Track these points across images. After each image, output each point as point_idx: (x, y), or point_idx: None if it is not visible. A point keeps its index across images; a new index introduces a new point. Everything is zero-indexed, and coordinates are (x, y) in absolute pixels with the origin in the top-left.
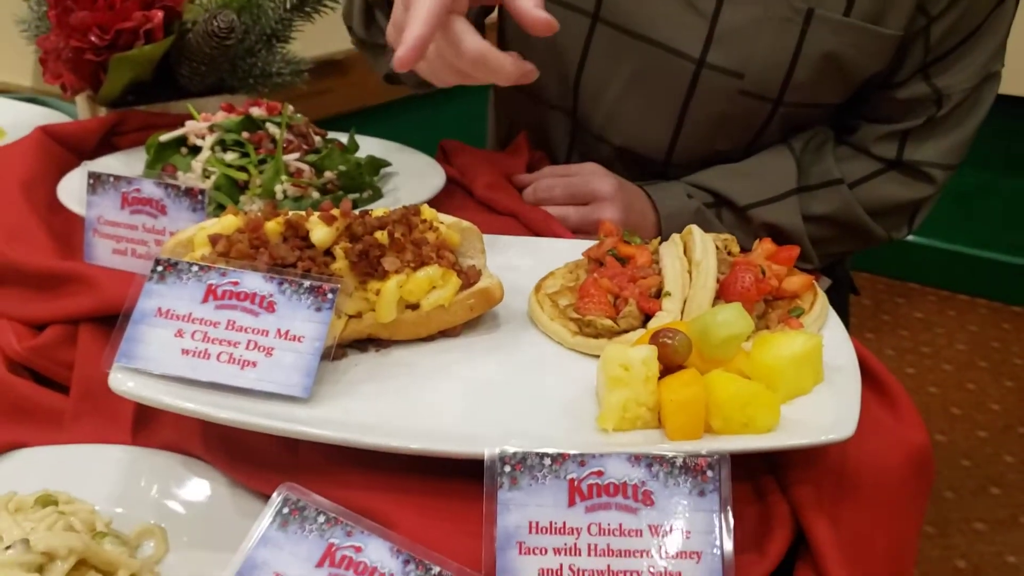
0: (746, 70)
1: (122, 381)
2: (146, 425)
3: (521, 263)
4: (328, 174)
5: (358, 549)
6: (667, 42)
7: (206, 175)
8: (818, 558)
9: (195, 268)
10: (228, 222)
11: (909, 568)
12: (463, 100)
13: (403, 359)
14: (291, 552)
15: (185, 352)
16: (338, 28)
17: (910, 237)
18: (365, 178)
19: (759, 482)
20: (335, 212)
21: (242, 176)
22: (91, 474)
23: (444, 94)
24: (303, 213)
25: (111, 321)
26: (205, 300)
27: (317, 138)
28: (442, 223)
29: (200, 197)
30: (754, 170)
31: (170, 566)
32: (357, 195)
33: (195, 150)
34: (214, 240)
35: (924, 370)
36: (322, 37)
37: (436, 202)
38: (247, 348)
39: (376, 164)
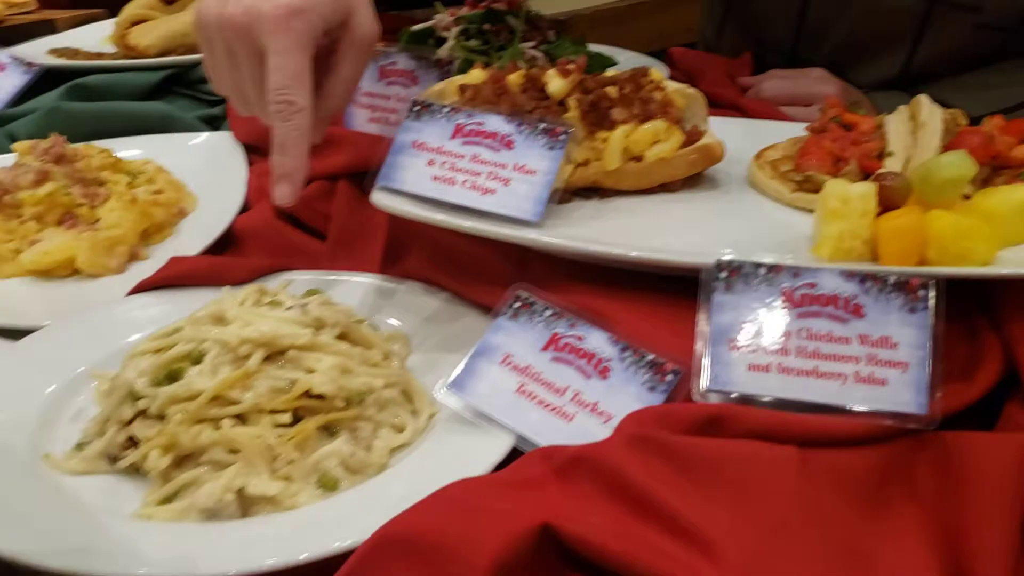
0: (984, 3)
1: (383, 198)
2: (392, 262)
3: (743, 143)
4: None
5: (579, 338)
6: None
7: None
8: None
9: (446, 109)
10: (475, 75)
11: None
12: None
13: (624, 206)
14: (520, 338)
15: (435, 178)
16: None
17: None
18: (594, 68)
19: (972, 321)
20: (570, 66)
21: (482, 59)
22: (347, 294)
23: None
24: (539, 69)
25: (363, 177)
26: (453, 136)
27: (551, 32)
28: (668, 86)
29: (448, 67)
30: (988, 81)
31: (413, 361)
32: None
33: (441, 42)
34: (462, 89)
35: None
36: None
37: None
38: (487, 178)
39: (604, 62)
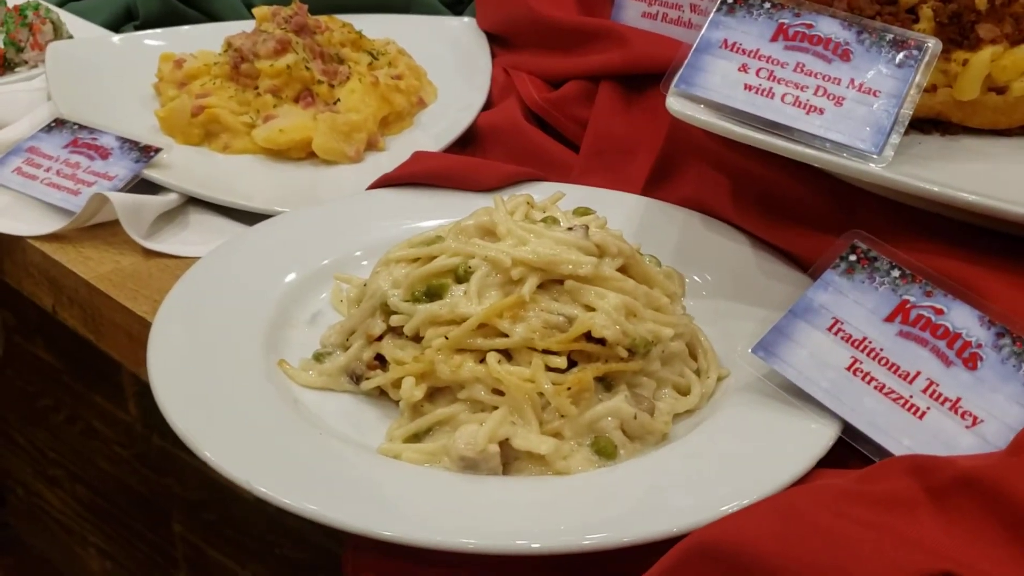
0: None
1: (683, 105)
2: (664, 183)
3: None
4: None
5: (939, 311)
6: None
7: None
8: None
9: (767, 4)
10: None
11: None
12: None
13: (978, 147)
14: (855, 301)
15: (748, 88)
16: None
17: None
18: None
19: None
20: None
21: None
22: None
23: None
24: None
25: (633, 82)
26: (774, 39)
27: None
28: None
29: None
30: None
31: (691, 309)
32: None
33: None
34: None
35: None
36: None
37: None
38: (815, 94)
39: None
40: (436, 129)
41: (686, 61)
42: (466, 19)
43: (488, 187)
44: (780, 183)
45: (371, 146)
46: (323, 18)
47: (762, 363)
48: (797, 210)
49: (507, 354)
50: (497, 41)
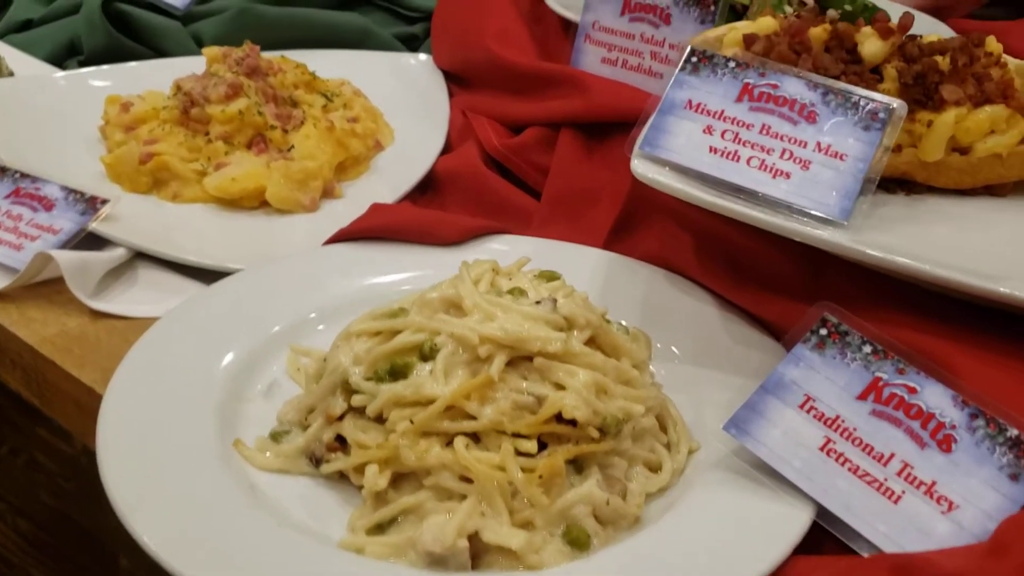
0: None
1: (646, 168)
2: (627, 236)
3: None
4: (831, 12)
5: (911, 390)
6: None
7: None
8: None
9: (731, 64)
10: (766, 23)
11: None
12: None
13: (943, 209)
14: (827, 377)
15: (713, 150)
16: None
17: None
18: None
19: None
20: (892, 24)
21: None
22: (568, 271)
23: None
24: (851, 25)
25: (594, 129)
26: (739, 99)
27: None
28: (1008, 61)
29: (713, 8)
30: None
31: (659, 376)
32: None
33: None
34: (749, 40)
35: None
36: None
37: None
38: (781, 157)
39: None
40: (394, 175)
41: (650, 122)
42: (423, 56)
43: (448, 241)
44: (746, 245)
45: (327, 194)
46: (275, 59)
47: (733, 439)
48: (764, 273)
49: (475, 436)
50: (454, 79)
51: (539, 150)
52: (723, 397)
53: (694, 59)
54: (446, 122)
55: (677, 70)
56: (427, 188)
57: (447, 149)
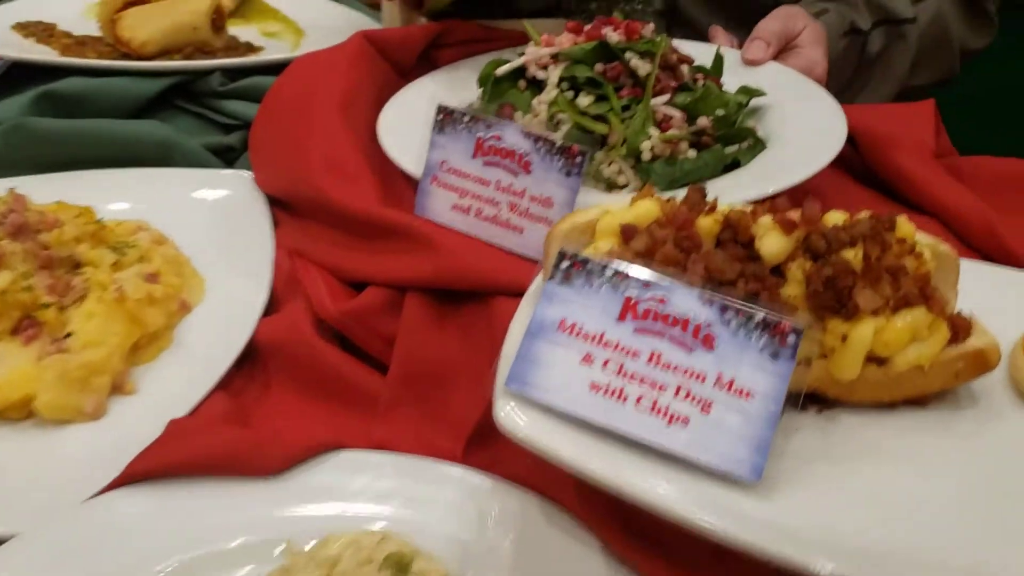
0: None
1: (514, 418)
2: (491, 444)
3: (987, 298)
4: (702, 120)
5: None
6: None
7: (553, 122)
8: None
9: (609, 271)
10: (644, 209)
11: None
12: None
13: (857, 432)
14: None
15: (595, 387)
16: None
17: None
18: (744, 124)
19: None
20: (793, 215)
21: (601, 129)
22: (422, 500)
23: None
24: (746, 211)
25: (445, 294)
26: (622, 318)
27: (684, 67)
28: (920, 242)
29: (579, 160)
30: None
31: None
32: (735, 148)
33: (536, 84)
34: (628, 234)
35: None
36: None
37: None
38: (676, 395)
39: (749, 93)
40: (204, 349)
41: (517, 351)
42: (243, 174)
43: (272, 470)
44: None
45: (116, 389)
46: (50, 207)
47: None
48: (656, 535)
49: None
50: (279, 204)
51: (383, 315)
52: None
53: (565, 264)
54: (270, 268)
55: (548, 279)
56: (245, 361)
57: (272, 303)
